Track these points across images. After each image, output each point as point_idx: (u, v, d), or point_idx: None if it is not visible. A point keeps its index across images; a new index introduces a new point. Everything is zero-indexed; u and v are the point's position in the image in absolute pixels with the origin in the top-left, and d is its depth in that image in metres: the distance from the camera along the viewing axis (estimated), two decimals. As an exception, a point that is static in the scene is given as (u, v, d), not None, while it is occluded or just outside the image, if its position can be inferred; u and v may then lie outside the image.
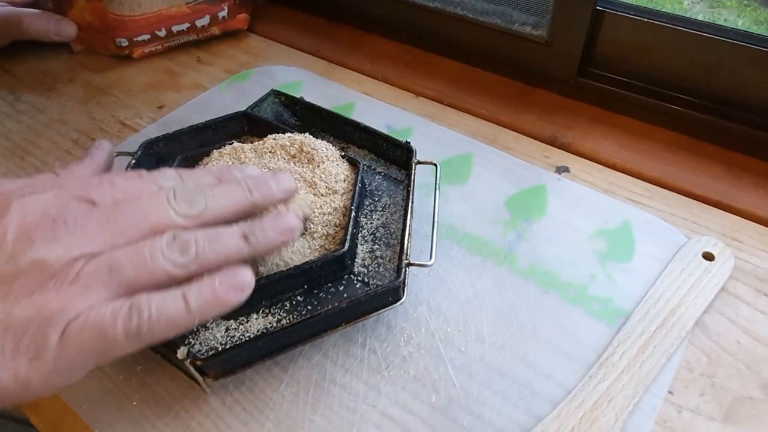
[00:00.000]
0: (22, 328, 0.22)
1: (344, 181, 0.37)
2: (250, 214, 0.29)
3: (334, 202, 0.36)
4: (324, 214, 0.35)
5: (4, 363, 0.21)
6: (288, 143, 0.38)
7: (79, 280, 0.23)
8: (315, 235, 0.34)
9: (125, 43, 0.58)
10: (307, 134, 0.39)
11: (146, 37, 0.58)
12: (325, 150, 0.38)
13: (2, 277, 0.22)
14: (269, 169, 0.37)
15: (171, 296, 0.24)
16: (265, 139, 0.39)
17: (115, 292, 0.23)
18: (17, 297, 0.22)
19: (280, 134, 0.39)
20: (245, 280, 0.26)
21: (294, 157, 0.38)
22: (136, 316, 0.23)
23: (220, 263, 0.26)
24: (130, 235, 0.25)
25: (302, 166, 0.37)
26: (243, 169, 0.31)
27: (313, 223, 0.34)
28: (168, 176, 0.29)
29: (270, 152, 0.38)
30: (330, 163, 0.37)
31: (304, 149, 0.38)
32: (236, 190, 0.29)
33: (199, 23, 0.59)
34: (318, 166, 0.37)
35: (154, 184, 0.28)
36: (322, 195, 0.36)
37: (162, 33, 0.58)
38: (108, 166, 0.34)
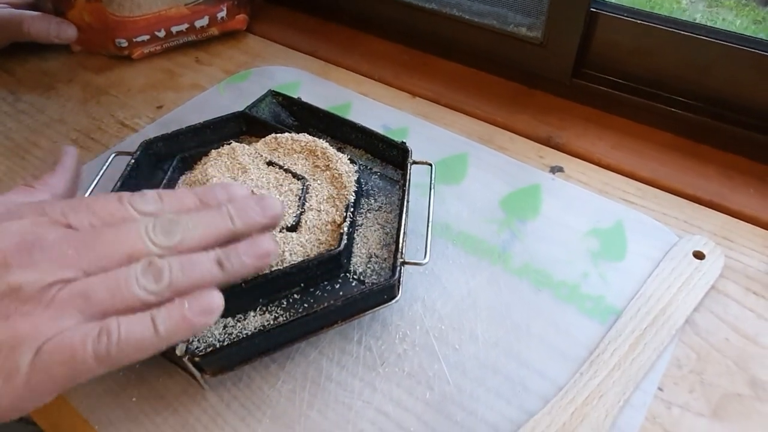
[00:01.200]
0: None
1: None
2: (232, 240, 0.28)
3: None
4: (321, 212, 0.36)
5: None
6: (310, 145, 0.40)
7: (53, 306, 0.23)
8: (312, 234, 0.35)
9: (125, 44, 0.58)
10: (321, 140, 0.40)
11: (145, 37, 0.58)
12: (335, 155, 0.39)
13: None
14: (288, 171, 0.38)
15: (140, 320, 0.24)
16: (277, 136, 0.40)
17: (88, 317, 0.23)
18: None
19: (296, 134, 0.41)
20: (213, 303, 0.26)
21: (317, 158, 0.39)
22: (105, 339, 0.23)
23: (194, 289, 0.26)
24: (105, 263, 0.25)
25: (322, 171, 0.38)
26: (229, 189, 0.30)
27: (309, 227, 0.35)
28: (148, 200, 0.28)
29: (296, 152, 0.39)
30: (342, 165, 0.38)
31: (319, 152, 0.39)
32: (217, 219, 0.28)
33: (198, 24, 0.60)
34: (334, 168, 0.38)
35: (132, 209, 0.27)
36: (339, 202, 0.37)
37: (161, 34, 0.59)
38: (77, 170, 0.36)
